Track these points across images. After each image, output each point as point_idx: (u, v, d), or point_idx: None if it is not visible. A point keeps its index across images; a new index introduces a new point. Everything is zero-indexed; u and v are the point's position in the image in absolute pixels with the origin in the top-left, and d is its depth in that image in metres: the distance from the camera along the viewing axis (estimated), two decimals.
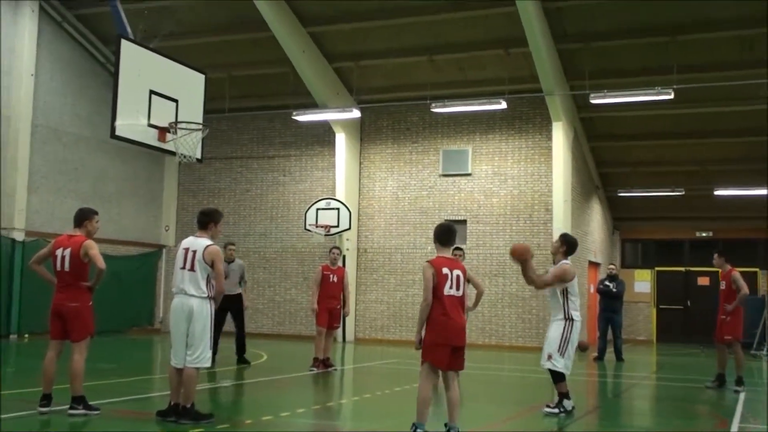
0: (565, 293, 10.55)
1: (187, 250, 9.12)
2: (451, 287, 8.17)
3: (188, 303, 8.96)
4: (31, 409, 9.25)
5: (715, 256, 14.52)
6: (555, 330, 10.54)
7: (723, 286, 14.29)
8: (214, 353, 15.22)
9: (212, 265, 9.03)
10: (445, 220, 23.15)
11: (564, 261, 10.69)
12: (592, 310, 24.38)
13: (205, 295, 9.01)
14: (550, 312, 10.88)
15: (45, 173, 22.21)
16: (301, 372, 14.97)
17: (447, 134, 23.98)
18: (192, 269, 9.02)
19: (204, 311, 8.97)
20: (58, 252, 9.37)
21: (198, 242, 9.15)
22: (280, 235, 25.35)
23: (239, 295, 15.72)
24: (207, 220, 9.36)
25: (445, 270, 8.17)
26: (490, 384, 15.13)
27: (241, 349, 15.85)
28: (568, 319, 10.50)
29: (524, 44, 19.79)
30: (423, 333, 8.23)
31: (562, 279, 10.49)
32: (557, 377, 10.54)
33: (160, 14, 20.44)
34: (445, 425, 8.16)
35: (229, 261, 15.36)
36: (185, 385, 8.91)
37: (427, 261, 8.28)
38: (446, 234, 8.51)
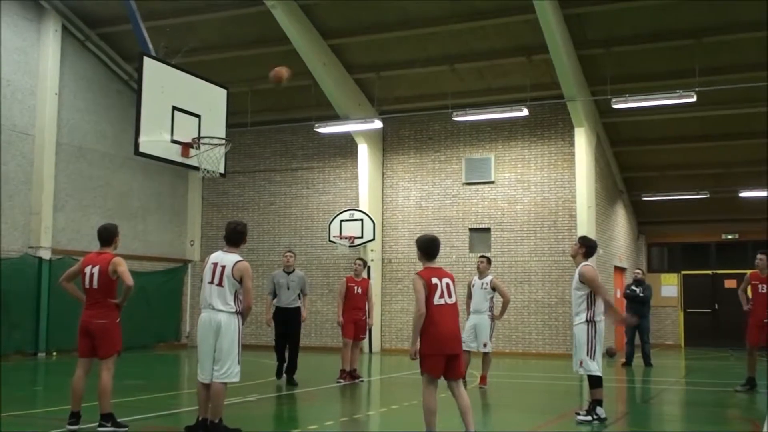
0: (593, 295, 10.45)
1: (215, 265, 9.10)
2: (441, 296, 8.22)
3: (216, 318, 8.96)
4: (59, 427, 9.28)
5: (763, 257, 14.02)
6: (579, 335, 10.47)
7: (764, 289, 13.90)
8: (282, 370, 15.02)
9: (241, 281, 9.05)
10: (470, 228, 23.24)
11: (584, 263, 10.62)
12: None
13: (233, 310, 8.99)
14: (573, 318, 10.80)
15: (70, 191, 22.37)
16: (329, 384, 14.96)
17: (469, 142, 23.95)
18: (220, 284, 9.00)
19: (232, 326, 8.96)
20: (87, 269, 9.41)
21: (227, 257, 9.13)
22: (305, 248, 25.36)
23: (298, 309, 14.94)
24: (239, 239, 9.31)
25: (435, 280, 8.24)
26: (518, 392, 15.08)
27: (291, 368, 14.96)
28: (590, 321, 10.39)
29: (545, 51, 19.77)
30: (418, 344, 8.26)
31: (595, 279, 10.41)
32: (594, 383, 10.44)
33: (181, 31, 20.58)
34: None
35: (288, 272, 14.88)
36: (213, 400, 8.91)
37: (416, 273, 8.34)
38: (432, 247, 8.57)
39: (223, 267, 9.04)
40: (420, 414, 8.27)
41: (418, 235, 8.87)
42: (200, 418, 9.05)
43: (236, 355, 9.00)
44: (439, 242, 8.72)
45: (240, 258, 9.15)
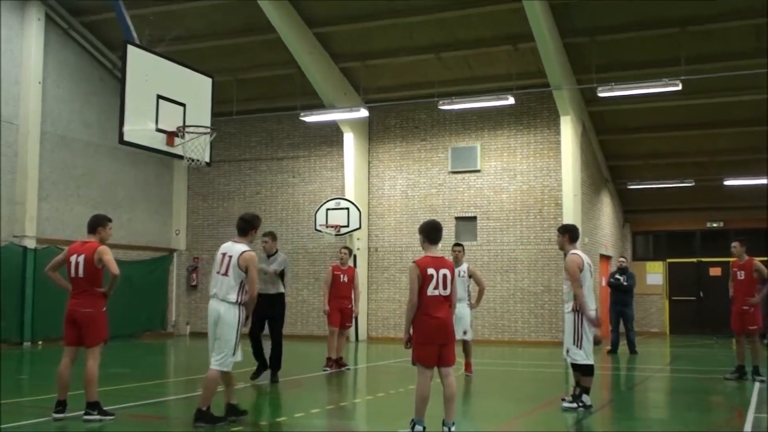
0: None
1: (224, 255, 9.21)
2: (436, 287, 8.24)
3: (217, 307, 9.07)
4: (46, 415, 9.28)
5: (737, 244, 14.12)
6: (567, 323, 10.54)
7: (742, 276, 13.96)
8: (263, 367, 13.52)
9: (247, 271, 9.08)
10: (456, 218, 23.29)
11: (573, 251, 10.61)
12: (603, 304, 24.35)
13: (234, 301, 9.04)
14: (563, 306, 10.87)
15: (54, 180, 22.26)
16: (315, 372, 14.98)
17: (455, 131, 23.96)
18: (226, 274, 9.11)
19: (230, 316, 9.00)
20: (72, 258, 9.38)
21: (235, 248, 9.22)
22: (291, 236, 25.35)
23: (279, 296, 13.52)
24: (248, 227, 9.44)
25: (431, 270, 8.23)
26: (504, 380, 15.14)
27: (274, 363, 13.52)
28: (578, 310, 10.42)
29: (531, 39, 19.76)
30: (411, 332, 8.34)
31: (574, 273, 10.42)
32: (585, 371, 10.48)
33: (166, 19, 20.45)
34: (443, 422, 8.25)
35: (269, 254, 13.55)
36: (204, 386, 8.99)
37: (414, 261, 8.34)
38: (434, 231, 8.58)
39: (230, 257, 9.15)
40: (406, 402, 8.31)
41: (424, 221, 8.85)
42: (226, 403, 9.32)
43: (233, 345, 9.03)
44: (442, 228, 8.74)
45: (247, 248, 9.22)
